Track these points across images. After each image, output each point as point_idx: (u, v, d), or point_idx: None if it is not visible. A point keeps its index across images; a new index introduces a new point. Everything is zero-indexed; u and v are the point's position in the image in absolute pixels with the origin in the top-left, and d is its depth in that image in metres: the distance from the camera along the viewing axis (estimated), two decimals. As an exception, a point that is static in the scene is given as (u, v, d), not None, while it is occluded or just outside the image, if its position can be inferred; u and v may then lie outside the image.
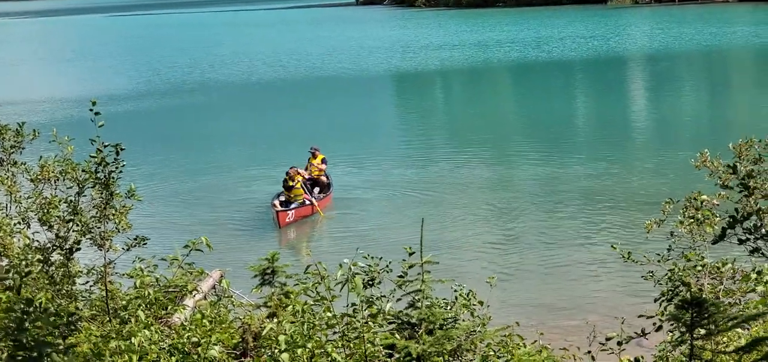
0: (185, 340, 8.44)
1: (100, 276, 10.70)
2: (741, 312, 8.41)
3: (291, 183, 25.04)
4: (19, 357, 4.90)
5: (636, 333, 8.42)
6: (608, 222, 22.50)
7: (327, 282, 8.49)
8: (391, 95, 56.77)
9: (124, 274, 10.87)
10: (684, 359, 7.35)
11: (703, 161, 12.04)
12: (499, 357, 8.65)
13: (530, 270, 19.57)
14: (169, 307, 10.27)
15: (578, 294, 17.87)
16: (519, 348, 8.94)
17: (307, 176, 26.39)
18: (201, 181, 29.63)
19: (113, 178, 9.99)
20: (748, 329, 9.41)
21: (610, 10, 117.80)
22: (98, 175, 9.96)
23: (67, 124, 36.52)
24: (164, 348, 8.32)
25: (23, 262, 10.24)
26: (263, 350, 8.49)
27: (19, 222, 12.55)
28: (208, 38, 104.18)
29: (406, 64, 67.91)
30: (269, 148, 35.44)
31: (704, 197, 11.63)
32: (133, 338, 8.19)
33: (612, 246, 11.71)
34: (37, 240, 11.06)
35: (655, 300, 8.93)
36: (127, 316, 9.40)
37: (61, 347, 5.10)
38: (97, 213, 10.49)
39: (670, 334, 7.68)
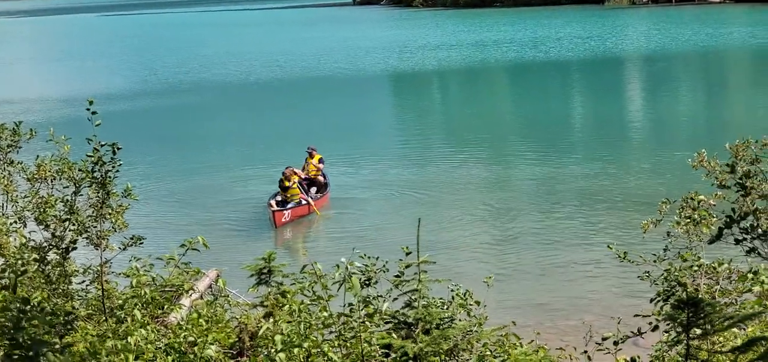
0: (182, 340, 8.43)
1: (96, 275, 10.71)
2: (737, 312, 8.42)
3: (287, 184, 25.03)
4: (16, 356, 4.89)
5: (632, 332, 8.43)
6: (605, 223, 22.51)
7: (323, 281, 8.49)
8: (389, 95, 56.76)
9: (120, 274, 10.85)
10: (680, 359, 7.36)
11: (701, 161, 12.06)
12: (495, 357, 8.65)
13: (527, 270, 19.59)
14: (166, 307, 10.26)
15: (575, 294, 17.88)
16: (515, 348, 8.94)
17: (303, 176, 26.38)
18: (197, 180, 29.62)
19: (110, 177, 9.98)
20: (744, 329, 9.42)
21: (607, 10, 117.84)
22: (95, 174, 9.96)
23: (64, 124, 36.45)
24: (160, 348, 8.31)
25: (19, 261, 10.25)
26: (260, 349, 8.49)
27: (16, 222, 12.53)
28: (205, 38, 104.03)
29: (404, 64, 67.90)
30: (266, 147, 35.43)
31: (701, 197, 11.64)
32: (129, 337, 8.19)
33: (608, 246, 11.72)
34: (34, 240, 11.05)
35: (652, 301, 8.94)
36: (123, 315, 9.40)
37: (57, 346, 5.09)
38: (93, 212, 10.48)
39: (666, 334, 7.68)
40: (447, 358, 7.99)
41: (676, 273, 9.88)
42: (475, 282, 12.06)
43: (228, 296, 11.60)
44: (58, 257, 10.53)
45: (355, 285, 8.19)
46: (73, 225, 10.48)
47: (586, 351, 9.22)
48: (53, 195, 12.08)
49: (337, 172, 28.92)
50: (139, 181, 27.03)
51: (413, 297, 8.14)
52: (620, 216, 22.85)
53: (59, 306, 8.65)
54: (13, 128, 14.36)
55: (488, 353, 8.66)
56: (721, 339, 8.66)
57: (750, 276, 9.72)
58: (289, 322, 8.25)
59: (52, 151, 12.40)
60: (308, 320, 8.31)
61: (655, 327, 7.95)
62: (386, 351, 7.97)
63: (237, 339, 9.33)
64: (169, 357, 8.16)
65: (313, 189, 26.50)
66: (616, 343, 8.75)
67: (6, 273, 9.76)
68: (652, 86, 51.52)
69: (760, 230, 7.29)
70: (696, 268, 10.48)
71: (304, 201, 25.07)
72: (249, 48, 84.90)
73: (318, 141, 29.26)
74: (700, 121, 39.69)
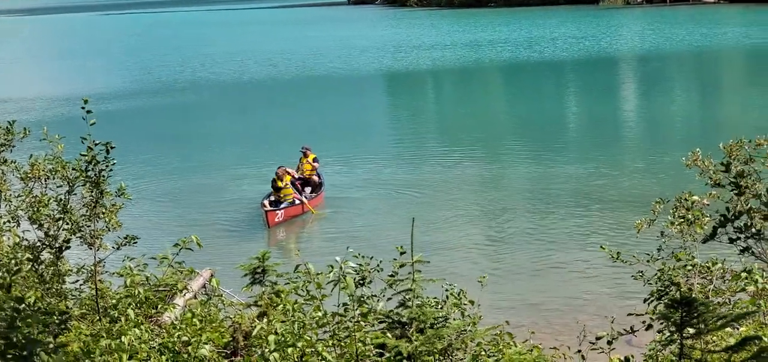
0: (175, 339, 8.42)
1: (90, 274, 10.68)
2: (731, 312, 8.43)
3: (280, 184, 25.00)
4: (9, 356, 4.88)
5: (625, 329, 8.45)
6: (599, 222, 22.54)
7: (319, 280, 8.49)
8: (383, 95, 56.77)
9: (114, 273, 10.84)
10: (674, 358, 7.37)
11: (695, 160, 12.06)
12: (489, 356, 8.65)
13: (521, 269, 19.60)
14: (159, 306, 10.25)
15: (569, 294, 17.90)
16: (510, 348, 8.95)
17: (296, 176, 26.38)
18: (191, 180, 29.59)
19: (103, 176, 9.95)
20: (737, 328, 9.44)
21: (601, 10, 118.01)
22: (88, 173, 9.93)
23: (58, 123, 36.41)
24: (154, 347, 8.30)
25: (13, 261, 10.22)
26: (254, 349, 8.48)
27: (9, 221, 12.50)
28: (199, 37, 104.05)
29: (398, 64, 67.91)
30: (260, 147, 35.41)
31: (695, 198, 11.65)
32: (123, 337, 8.17)
33: (601, 246, 11.71)
34: (27, 239, 11.02)
35: (645, 300, 8.95)
36: (117, 315, 9.38)
37: (51, 346, 5.08)
38: (87, 211, 10.46)
39: (660, 334, 7.69)
40: (441, 357, 7.99)
41: (670, 273, 9.89)
42: (469, 281, 12.06)
43: (222, 295, 11.58)
44: (51, 256, 10.50)
45: (349, 284, 8.19)
46: (67, 224, 10.46)
47: (580, 351, 9.23)
48: (47, 194, 12.05)
49: (332, 172, 28.91)
50: (133, 181, 26.98)
51: (407, 297, 8.14)
52: (614, 216, 22.87)
53: (53, 306, 8.64)
54: (7, 127, 14.32)
55: (482, 352, 8.66)
56: (714, 338, 8.67)
57: (744, 275, 9.74)
58: (283, 322, 8.25)
59: (45, 150, 12.37)
60: (302, 320, 8.31)
61: (649, 327, 7.97)
62: (380, 350, 7.97)
63: (231, 339, 9.31)
64: (162, 356, 8.15)
65: (308, 189, 26.49)
66: (609, 342, 8.77)
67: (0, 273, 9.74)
68: (646, 86, 51.59)
69: (753, 229, 7.31)
70: (690, 268, 10.50)
71: (297, 201, 25.06)
72: (243, 47, 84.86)
73: (312, 140, 29.24)
74: (694, 120, 39.76)
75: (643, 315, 8.54)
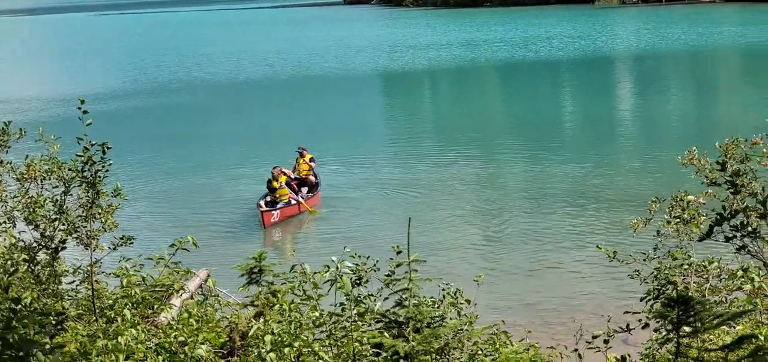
0: (172, 339, 8.41)
1: (86, 275, 10.68)
2: (727, 310, 8.46)
3: (275, 184, 24.98)
4: (6, 357, 4.87)
5: (621, 327, 8.46)
6: (595, 222, 22.55)
7: (316, 278, 8.49)
8: (379, 94, 56.74)
9: (110, 273, 10.82)
10: (670, 357, 7.38)
11: (691, 159, 12.08)
12: (486, 356, 8.67)
13: (517, 269, 19.60)
14: (156, 306, 10.24)
15: (565, 293, 17.91)
16: (506, 347, 8.96)
17: (292, 176, 26.38)
18: (187, 180, 29.57)
19: (99, 176, 9.95)
20: (733, 327, 9.45)
21: (597, 10, 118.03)
22: (84, 173, 9.92)
23: (55, 123, 36.38)
24: (151, 348, 8.29)
25: (9, 261, 10.21)
26: (250, 349, 8.47)
27: (5, 222, 12.48)
28: (195, 37, 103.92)
29: (394, 64, 67.88)
30: (256, 147, 35.38)
31: (690, 197, 11.66)
32: (119, 337, 8.16)
33: (597, 246, 11.73)
34: (23, 240, 11.01)
35: (642, 299, 8.96)
36: (113, 315, 9.36)
37: (47, 346, 5.08)
38: (83, 212, 10.45)
39: (657, 333, 7.71)
40: (438, 357, 8.00)
41: (666, 272, 9.91)
42: (465, 281, 12.07)
43: (218, 296, 11.58)
44: (48, 257, 10.50)
45: (346, 284, 8.19)
46: (63, 225, 10.46)
47: (576, 350, 9.25)
48: (43, 195, 12.04)
49: (328, 172, 28.90)
50: (129, 181, 26.98)
51: (404, 296, 8.14)
52: (610, 215, 22.89)
53: (50, 306, 8.63)
54: (3, 128, 14.29)
55: (479, 352, 8.67)
56: (711, 337, 8.68)
57: (740, 274, 9.76)
58: (279, 322, 8.25)
59: (42, 151, 12.36)
60: (299, 320, 8.31)
61: (646, 325, 7.98)
62: (377, 350, 7.97)
63: (227, 339, 9.32)
64: (159, 357, 8.14)
65: (305, 189, 26.50)
66: (606, 341, 8.78)
67: (-4, 273, 9.73)
68: (642, 85, 51.61)
69: (749, 228, 7.32)
70: (686, 267, 10.51)
71: (293, 201, 25.05)
72: (238, 47, 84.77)
73: (308, 140, 29.23)
74: (690, 120, 39.78)
75: (639, 313, 8.55)
